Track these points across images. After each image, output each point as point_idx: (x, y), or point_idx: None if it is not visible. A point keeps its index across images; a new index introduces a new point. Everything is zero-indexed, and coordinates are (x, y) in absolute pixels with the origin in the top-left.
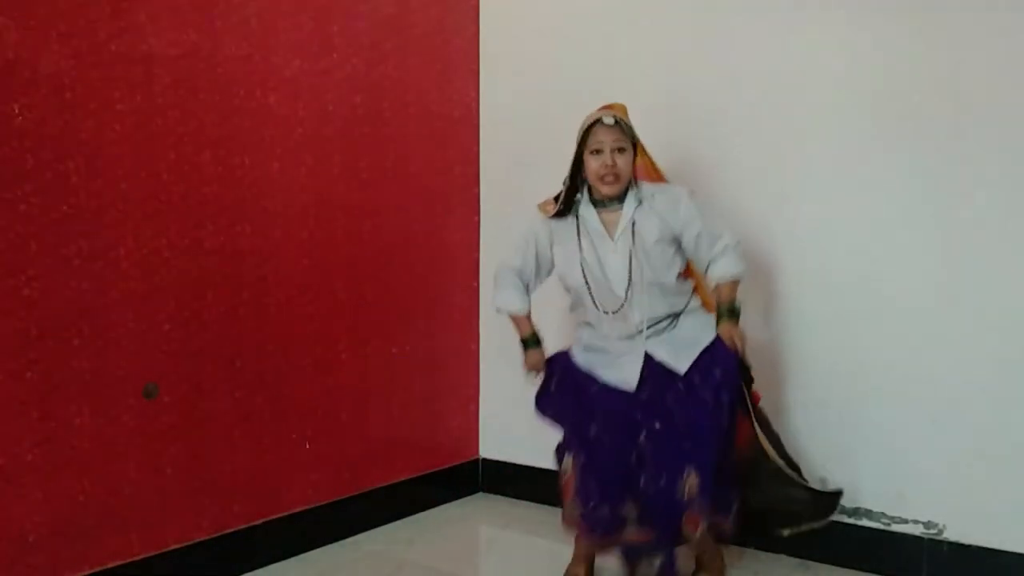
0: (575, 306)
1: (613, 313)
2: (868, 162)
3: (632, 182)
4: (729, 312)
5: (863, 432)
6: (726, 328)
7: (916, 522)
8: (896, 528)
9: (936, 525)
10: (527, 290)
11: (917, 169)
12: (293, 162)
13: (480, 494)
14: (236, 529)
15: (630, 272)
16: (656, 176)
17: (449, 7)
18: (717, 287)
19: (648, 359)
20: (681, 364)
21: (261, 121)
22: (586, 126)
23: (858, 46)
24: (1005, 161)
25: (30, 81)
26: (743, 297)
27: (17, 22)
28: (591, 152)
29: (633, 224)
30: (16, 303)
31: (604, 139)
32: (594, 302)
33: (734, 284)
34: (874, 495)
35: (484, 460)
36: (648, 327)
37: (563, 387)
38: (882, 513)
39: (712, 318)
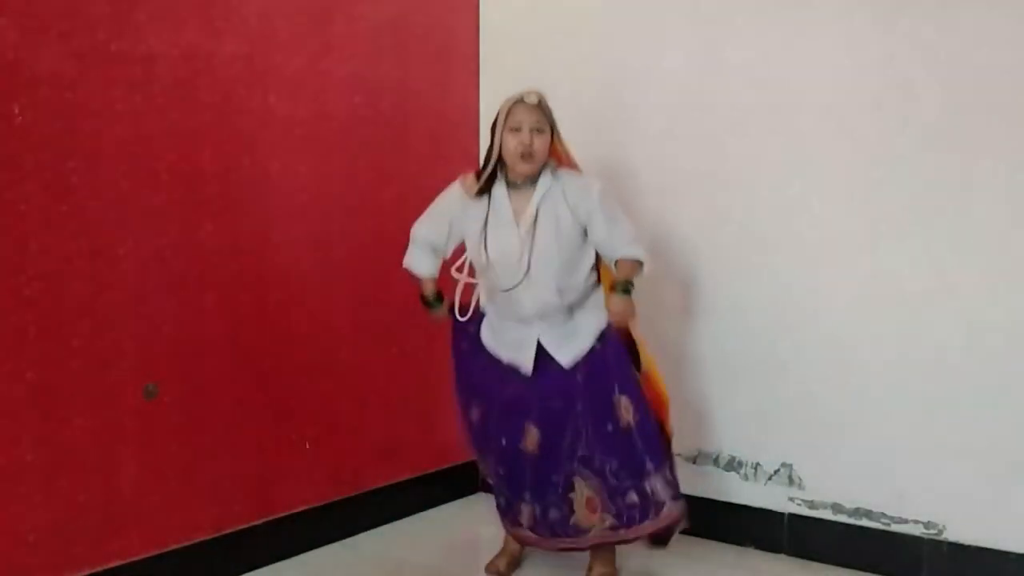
0: (482, 276)
1: (510, 291)
2: (869, 164)
3: (549, 164)
4: (623, 287)
5: (862, 432)
6: (616, 301)
7: (916, 522)
8: (896, 528)
9: (936, 525)
10: (436, 255)
11: (916, 169)
12: (293, 162)
13: (480, 494)
14: (236, 529)
15: (530, 258)
16: (570, 164)
17: (449, 7)
18: (618, 263)
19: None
20: (563, 355)
21: (261, 121)
22: (507, 105)
23: (858, 46)
24: (1003, 161)
25: (30, 81)
26: (755, 300)
27: (17, 22)
28: (510, 130)
29: (537, 211)
30: (16, 303)
31: (524, 119)
32: (496, 282)
33: (635, 264)
34: (874, 495)
35: None
36: (542, 316)
37: (462, 369)
38: (882, 513)
39: (598, 300)
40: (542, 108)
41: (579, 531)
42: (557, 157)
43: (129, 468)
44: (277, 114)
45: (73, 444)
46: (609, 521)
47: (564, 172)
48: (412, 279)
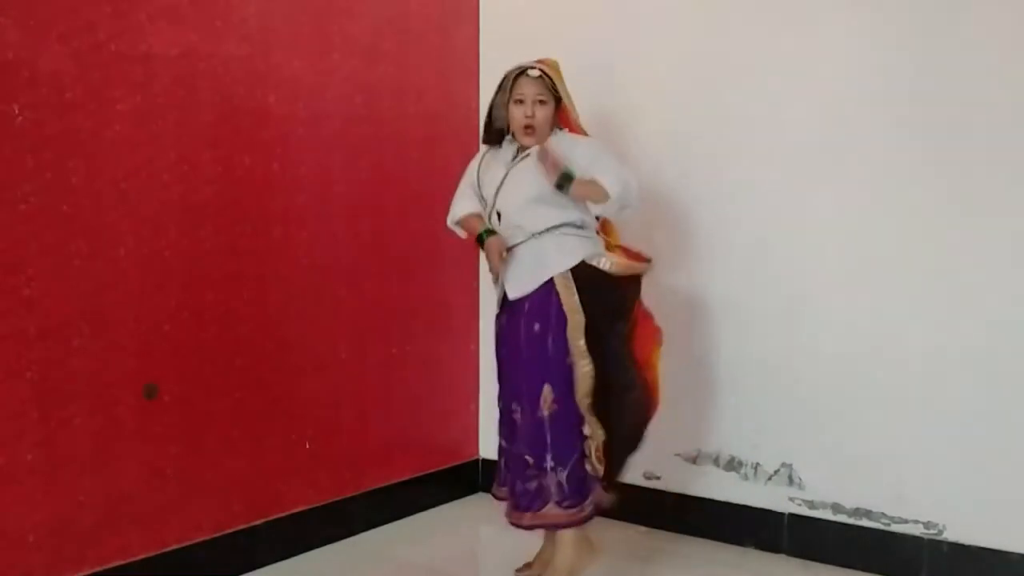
0: None
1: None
2: (866, 163)
3: (555, 131)
4: (566, 174)
5: (863, 432)
6: (553, 157)
7: (916, 522)
8: (896, 528)
9: (936, 525)
10: (475, 200)
11: (916, 168)
12: (293, 162)
13: (480, 494)
14: (236, 529)
15: (500, 187)
16: (580, 131)
17: (449, 7)
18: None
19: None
20: (513, 288)
21: (261, 121)
22: (512, 76)
23: (858, 49)
24: (1008, 166)
25: (30, 81)
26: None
27: (17, 22)
28: (514, 102)
29: (525, 156)
30: (16, 303)
31: (527, 91)
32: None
33: (598, 187)
34: (874, 495)
35: (484, 460)
36: (519, 241)
37: None
38: (882, 513)
39: (582, 241)
40: (544, 80)
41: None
42: (567, 125)
43: (129, 468)
44: (277, 114)
45: (73, 444)
46: (506, 499)
47: (567, 135)
48: (461, 235)
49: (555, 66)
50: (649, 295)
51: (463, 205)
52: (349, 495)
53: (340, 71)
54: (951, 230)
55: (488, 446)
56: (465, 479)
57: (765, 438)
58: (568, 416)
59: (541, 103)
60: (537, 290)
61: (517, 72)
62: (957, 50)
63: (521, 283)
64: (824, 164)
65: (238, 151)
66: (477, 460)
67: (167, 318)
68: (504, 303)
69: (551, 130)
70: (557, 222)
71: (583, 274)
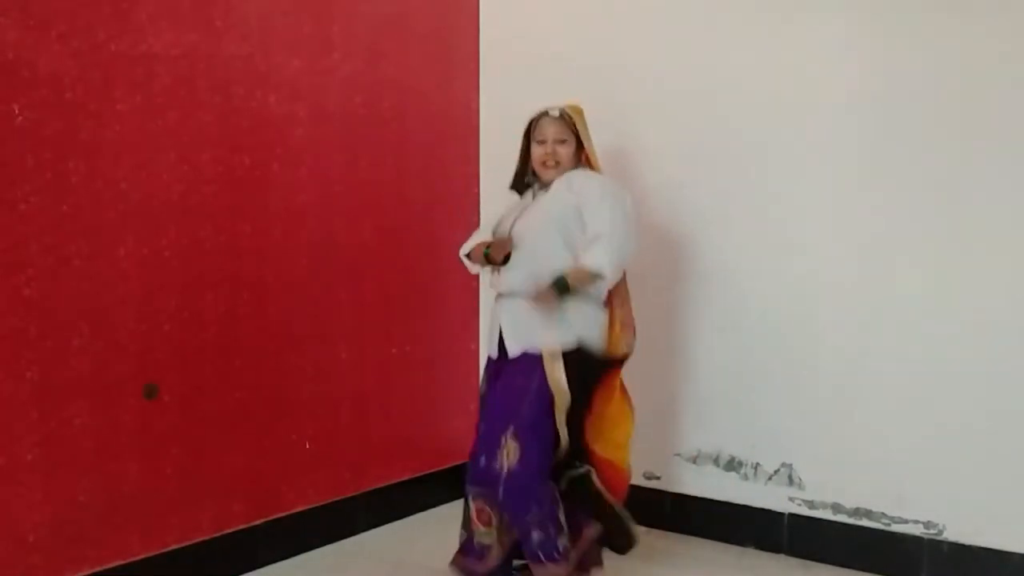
0: None
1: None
2: (867, 164)
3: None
4: (560, 283)
5: (862, 433)
6: (542, 289)
7: (916, 522)
8: (896, 528)
9: (936, 525)
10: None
11: (921, 170)
12: (293, 162)
13: None
14: (236, 529)
15: (513, 225)
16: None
17: (449, 7)
18: (579, 261)
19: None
20: (512, 343)
21: (261, 121)
22: (534, 119)
23: (859, 51)
24: (1003, 166)
25: (30, 81)
26: (756, 301)
27: (17, 22)
28: (536, 142)
29: (545, 193)
30: (16, 303)
31: (547, 131)
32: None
33: (589, 274)
34: (874, 495)
35: None
36: (514, 297)
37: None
38: (882, 513)
39: (584, 313)
40: (564, 120)
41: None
42: (589, 164)
43: (129, 468)
44: (277, 114)
45: (73, 444)
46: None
47: (585, 170)
48: (471, 269)
49: (578, 110)
50: (649, 299)
51: (476, 239)
52: (349, 495)
53: (340, 71)
54: (951, 232)
55: None
56: (465, 479)
57: (765, 438)
58: (527, 469)
59: (562, 142)
60: (526, 353)
61: (539, 115)
62: (959, 48)
63: (514, 341)
64: (824, 167)
65: (238, 151)
66: None
67: (167, 318)
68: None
69: (574, 166)
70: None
71: (573, 355)
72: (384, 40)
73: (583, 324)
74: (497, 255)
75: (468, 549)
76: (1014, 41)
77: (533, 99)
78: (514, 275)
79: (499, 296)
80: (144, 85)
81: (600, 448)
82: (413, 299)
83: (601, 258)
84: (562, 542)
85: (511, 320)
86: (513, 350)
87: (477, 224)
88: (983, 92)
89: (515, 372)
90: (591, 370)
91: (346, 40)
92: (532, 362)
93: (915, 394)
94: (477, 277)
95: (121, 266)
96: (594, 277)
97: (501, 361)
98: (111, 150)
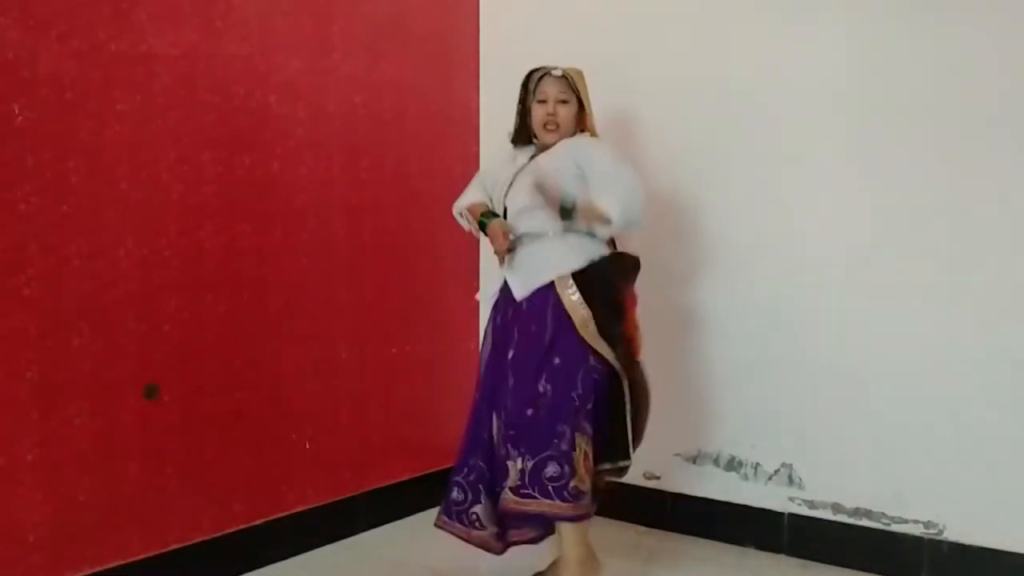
0: None
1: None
2: (870, 164)
3: (576, 132)
4: (568, 204)
5: (862, 432)
6: (551, 190)
7: (916, 522)
8: (896, 528)
9: (936, 525)
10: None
11: (916, 168)
12: (293, 162)
13: None
14: (236, 529)
15: (514, 179)
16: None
17: (449, 7)
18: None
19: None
20: (518, 287)
21: (261, 121)
22: (536, 77)
23: (858, 50)
24: (1007, 161)
25: (30, 81)
26: (756, 301)
27: (17, 22)
28: (537, 102)
29: (542, 154)
30: (16, 303)
31: (549, 90)
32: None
33: (595, 211)
34: (874, 495)
35: None
36: (519, 240)
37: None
38: (882, 513)
39: (588, 243)
40: (567, 79)
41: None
42: (588, 130)
43: (129, 468)
44: (277, 114)
45: (73, 444)
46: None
47: (586, 136)
48: (465, 227)
49: (579, 73)
50: (649, 300)
51: (469, 196)
52: (349, 495)
53: (340, 71)
54: (950, 232)
55: None
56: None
57: (765, 438)
58: (556, 413)
59: (563, 103)
60: (536, 292)
61: (541, 73)
62: (960, 46)
63: (523, 284)
64: (823, 166)
65: (238, 151)
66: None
67: (167, 318)
68: (500, 301)
69: (574, 131)
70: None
71: (584, 275)
72: (384, 40)
73: (591, 250)
74: (500, 246)
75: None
76: (1016, 43)
77: None
78: (515, 212)
79: (508, 253)
80: (144, 85)
81: None
82: (413, 299)
83: (613, 204)
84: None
85: (517, 266)
86: (521, 293)
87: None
88: (990, 87)
89: (526, 329)
90: (606, 290)
91: (346, 40)
92: (542, 301)
93: (915, 394)
94: (477, 277)
95: (121, 266)
96: (602, 218)
97: (507, 316)
98: (111, 150)
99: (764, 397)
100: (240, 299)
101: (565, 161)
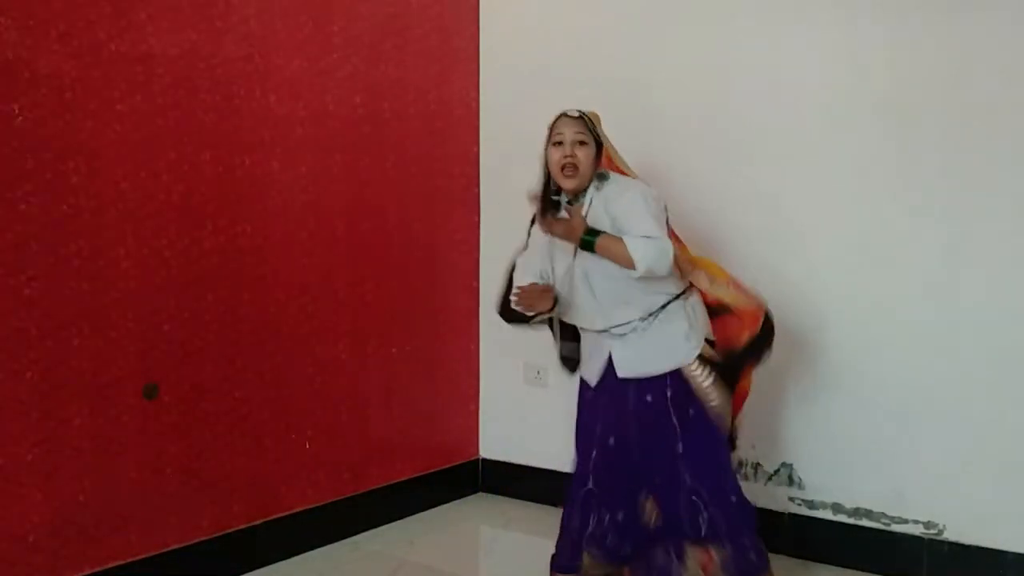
0: None
1: (580, 309)
2: (872, 163)
3: (597, 176)
4: (591, 233)
5: (863, 433)
6: (574, 219)
7: (916, 522)
8: (896, 528)
9: (936, 525)
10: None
11: (919, 168)
12: (293, 162)
13: (480, 494)
14: (236, 529)
15: (574, 274)
16: (626, 173)
17: (449, 7)
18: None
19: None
20: (624, 368)
21: (261, 121)
22: (552, 121)
23: (858, 48)
24: (1009, 161)
25: (30, 81)
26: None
27: (17, 22)
28: (553, 144)
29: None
30: (16, 303)
31: (565, 131)
32: (566, 303)
33: (622, 250)
34: (874, 495)
35: (484, 460)
36: (612, 327)
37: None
38: (882, 513)
39: (686, 332)
40: (584, 120)
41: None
42: (614, 168)
43: (129, 468)
44: (277, 114)
45: (73, 444)
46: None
47: (612, 178)
48: (514, 319)
49: (595, 116)
50: None
51: (522, 277)
52: (349, 495)
53: (340, 71)
54: (951, 233)
55: (488, 446)
56: (465, 479)
57: (765, 438)
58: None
59: (581, 144)
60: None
61: (556, 116)
62: (961, 44)
63: (633, 366)
64: (823, 165)
65: (238, 151)
66: (477, 460)
67: (167, 318)
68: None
69: (594, 174)
70: (652, 295)
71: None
72: (384, 40)
73: (700, 328)
74: (534, 304)
75: None
76: (1016, 41)
77: (533, 99)
78: (597, 309)
79: (594, 337)
80: (144, 85)
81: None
82: (413, 299)
83: (641, 251)
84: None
85: (628, 352)
86: (639, 372)
87: (477, 224)
88: (989, 90)
89: (641, 406)
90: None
91: (346, 40)
92: (662, 385)
93: (915, 394)
94: (478, 277)
95: (121, 266)
96: (627, 260)
97: (605, 388)
98: (111, 150)
99: (764, 398)
100: (240, 299)
101: (603, 223)
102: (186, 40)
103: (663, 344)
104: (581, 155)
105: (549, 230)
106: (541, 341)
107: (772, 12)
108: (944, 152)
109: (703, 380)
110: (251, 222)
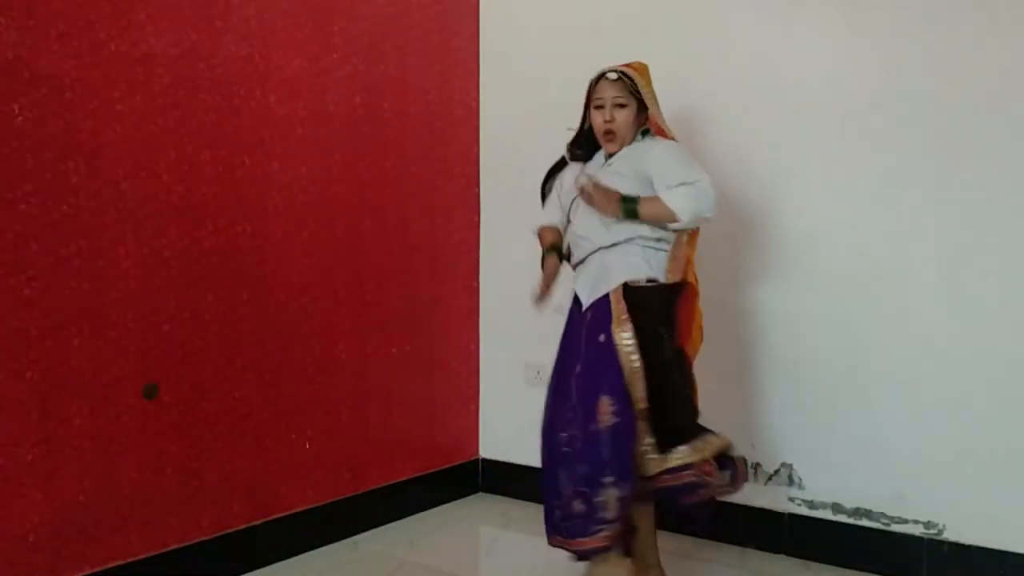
0: None
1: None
2: (869, 162)
3: (640, 134)
4: (629, 201)
5: (863, 433)
6: (606, 190)
7: (916, 522)
8: (896, 528)
9: (936, 525)
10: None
11: (920, 168)
12: (293, 162)
13: (480, 494)
14: (236, 529)
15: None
16: (665, 134)
17: (449, 7)
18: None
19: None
20: (585, 294)
21: (261, 121)
22: (592, 82)
23: (857, 47)
24: (1009, 161)
25: (30, 81)
26: (755, 302)
27: (17, 22)
28: (594, 107)
29: (608, 165)
30: (16, 303)
31: (605, 94)
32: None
33: (662, 207)
34: (874, 495)
35: (484, 460)
36: (590, 252)
37: None
38: (882, 513)
39: (647, 261)
40: (624, 81)
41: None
42: (656, 128)
43: (129, 468)
44: (277, 114)
45: (73, 444)
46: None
47: (649, 139)
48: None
49: (642, 69)
50: None
51: (547, 214)
52: (349, 495)
53: (340, 71)
54: (952, 233)
55: (488, 446)
56: (465, 479)
57: (765, 438)
58: (627, 431)
59: (620, 106)
60: (599, 301)
61: (597, 77)
62: (963, 42)
63: (586, 293)
64: (823, 164)
65: (238, 151)
66: (477, 460)
67: (167, 318)
68: (572, 311)
69: (636, 133)
70: (623, 237)
71: (637, 291)
72: (384, 40)
73: (647, 266)
74: (539, 290)
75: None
76: (1016, 39)
77: (533, 99)
78: (584, 233)
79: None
80: (144, 85)
81: None
82: (413, 299)
83: (681, 201)
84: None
85: (587, 276)
86: (589, 299)
87: (477, 224)
88: (989, 89)
89: (591, 329)
90: (660, 308)
91: (346, 40)
92: (605, 309)
93: (915, 394)
94: (477, 277)
95: (121, 266)
96: (669, 215)
97: (575, 322)
98: (111, 150)
99: (764, 397)
100: (240, 299)
101: (626, 179)
102: (186, 40)
103: (608, 270)
104: (620, 118)
105: (589, 201)
106: (541, 341)
107: (772, 12)
108: (945, 152)
109: (628, 345)
110: (251, 222)
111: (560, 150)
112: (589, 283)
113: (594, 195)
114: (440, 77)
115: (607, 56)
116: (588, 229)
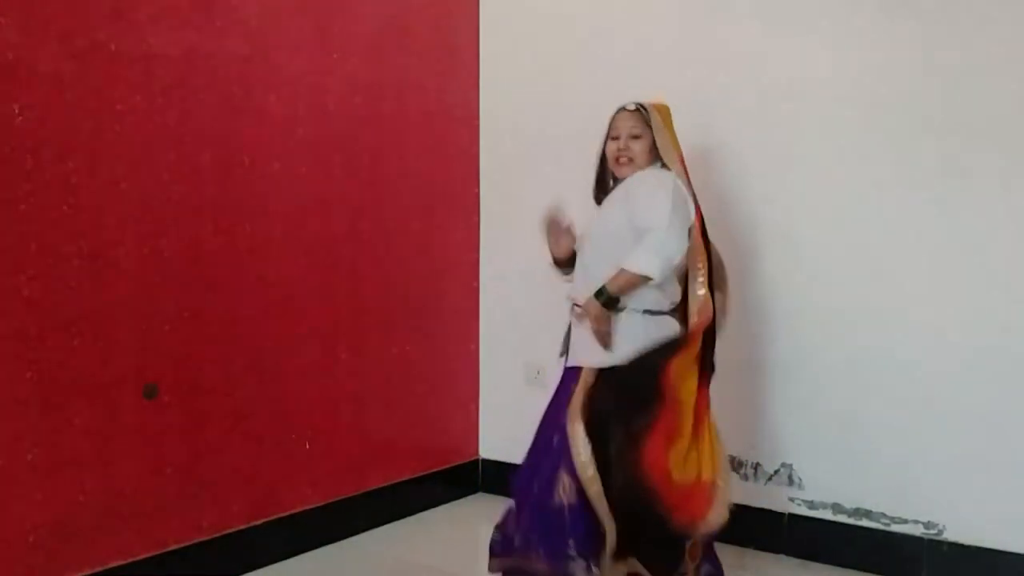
0: None
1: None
2: (870, 163)
3: (652, 165)
4: (605, 296)
5: (863, 432)
6: (591, 308)
7: (916, 522)
8: (896, 528)
9: (936, 525)
10: None
11: (920, 168)
12: (293, 162)
13: (480, 494)
14: (236, 529)
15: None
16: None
17: (449, 7)
18: (622, 268)
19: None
20: (573, 356)
21: (261, 121)
22: (611, 116)
23: (858, 49)
24: (1009, 161)
25: (30, 81)
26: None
27: (17, 22)
28: (611, 138)
29: (613, 191)
30: (16, 303)
31: (621, 125)
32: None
33: (636, 277)
34: (874, 495)
35: (484, 460)
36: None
37: None
38: (882, 513)
39: (646, 325)
40: (641, 113)
41: None
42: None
43: (129, 468)
44: (277, 114)
45: (73, 444)
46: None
47: (653, 170)
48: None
49: (661, 107)
50: None
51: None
52: (349, 495)
53: (340, 71)
54: (953, 233)
55: (488, 446)
56: (465, 479)
57: (765, 438)
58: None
59: (636, 138)
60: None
61: (616, 110)
62: (971, 43)
63: (571, 353)
64: (823, 164)
65: (238, 151)
66: (477, 460)
67: (167, 318)
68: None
69: (650, 163)
70: (642, 297)
71: (613, 372)
72: (384, 40)
73: (632, 338)
74: (557, 250)
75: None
76: (1016, 38)
77: (533, 99)
78: (582, 287)
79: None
80: (144, 85)
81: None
82: (413, 299)
83: (644, 258)
84: None
85: (577, 333)
86: (570, 361)
87: (477, 224)
88: (990, 88)
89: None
90: (640, 386)
91: (346, 40)
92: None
93: (915, 394)
94: (478, 277)
95: (121, 266)
96: (641, 279)
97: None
98: (111, 150)
99: (764, 397)
100: (240, 299)
101: (616, 216)
102: (186, 40)
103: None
104: (636, 147)
105: (579, 319)
106: (541, 341)
107: (772, 12)
108: (946, 152)
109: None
110: (251, 222)
111: (560, 151)
112: (575, 346)
113: (583, 317)
114: (440, 77)
115: (607, 56)
116: (586, 290)
